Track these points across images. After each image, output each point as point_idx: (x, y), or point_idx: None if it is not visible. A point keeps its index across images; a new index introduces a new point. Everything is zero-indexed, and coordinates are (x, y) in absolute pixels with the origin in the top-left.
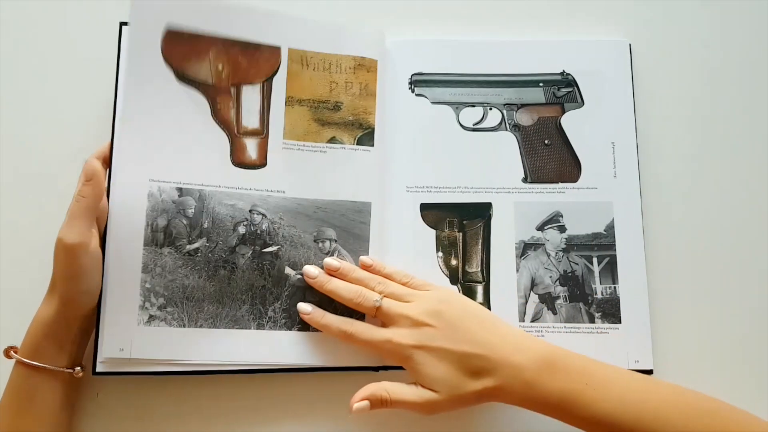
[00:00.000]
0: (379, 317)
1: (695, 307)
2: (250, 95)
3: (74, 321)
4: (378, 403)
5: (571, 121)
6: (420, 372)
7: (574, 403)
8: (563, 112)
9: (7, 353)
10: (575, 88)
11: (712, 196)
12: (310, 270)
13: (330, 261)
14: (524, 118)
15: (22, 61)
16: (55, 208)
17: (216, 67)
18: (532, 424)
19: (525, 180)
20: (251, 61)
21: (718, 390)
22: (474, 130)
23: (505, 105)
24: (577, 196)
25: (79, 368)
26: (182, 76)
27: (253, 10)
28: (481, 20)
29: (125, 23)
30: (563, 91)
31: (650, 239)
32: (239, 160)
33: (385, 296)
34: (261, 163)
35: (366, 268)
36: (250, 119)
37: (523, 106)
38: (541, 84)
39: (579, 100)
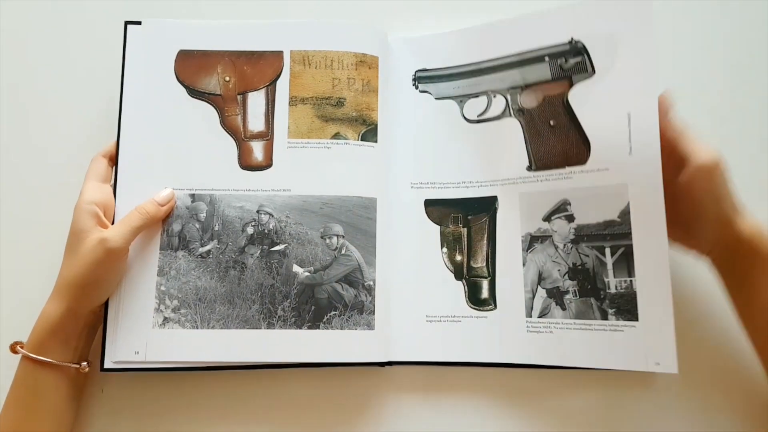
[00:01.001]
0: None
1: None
2: (255, 100)
3: (82, 317)
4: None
5: (580, 95)
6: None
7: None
8: (571, 85)
9: (13, 348)
10: (585, 56)
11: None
12: None
13: None
14: (528, 100)
15: (26, 59)
16: (60, 205)
17: (224, 79)
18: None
19: (530, 168)
20: (255, 68)
21: (751, 398)
22: (478, 121)
23: (509, 89)
24: (586, 181)
25: (85, 363)
26: (193, 91)
27: (257, 22)
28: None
29: (131, 22)
30: (571, 62)
31: None
32: (246, 163)
33: None
34: (267, 164)
35: None
36: (256, 123)
37: (527, 87)
38: (546, 58)
39: (589, 69)
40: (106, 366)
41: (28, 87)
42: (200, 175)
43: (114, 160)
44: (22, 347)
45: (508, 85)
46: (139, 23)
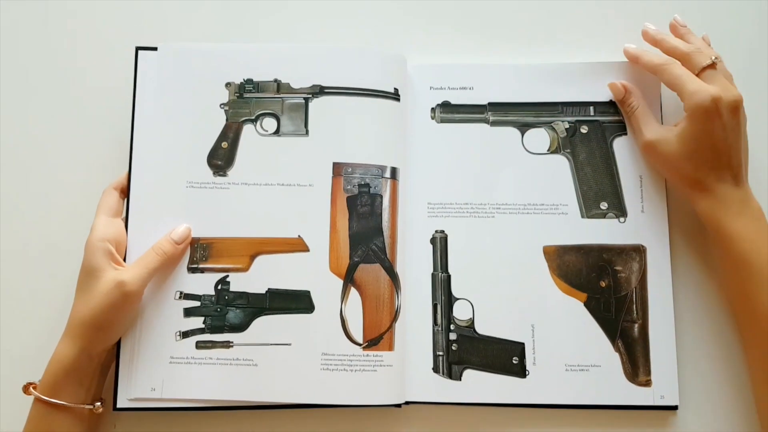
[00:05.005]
0: (702, 76)
1: (722, 338)
2: None
3: (96, 357)
4: (627, 102)
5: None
6: (692, 125)
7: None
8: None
9: (26, 390)
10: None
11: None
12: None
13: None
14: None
15: (34, 87)
16: (71, 240)
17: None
18: None
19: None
20: None
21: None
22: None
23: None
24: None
25: (99, 404)
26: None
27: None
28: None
29: (142, 48)
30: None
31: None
32: None
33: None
34: None
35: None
36: None
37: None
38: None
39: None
40: (119, 405)
41: (36, 116)
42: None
43: (126, 192)
44: (35, 388)
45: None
46: (153, 49)
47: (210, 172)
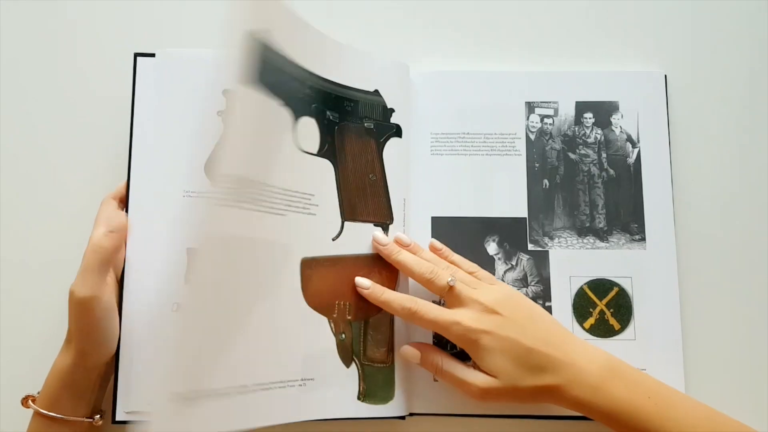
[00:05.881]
0: (447, 299)
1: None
2: None
3: (93, 370)
4: (429, 365)
5: None
6: (483, 358)
7: (637, 415)
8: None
9: (24, 403)
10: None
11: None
12: (378, 237)
13: (401, 235)
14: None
15: (34, 94)
16: (72, 252)
17: None
18: None
19: None
20: None
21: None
22: None
23: None
24: None
25: (98, 416)
26: None
27: None
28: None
29: (140, 54)
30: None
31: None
32: None
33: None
34: None
35: (435, 251)
36: None
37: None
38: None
39: None
40: (118, 418)
41: (34, 123)
42: None
43: (124, 202)
44: (33, 401)
45: None
46: (151, 55)
47: (208, 181)
